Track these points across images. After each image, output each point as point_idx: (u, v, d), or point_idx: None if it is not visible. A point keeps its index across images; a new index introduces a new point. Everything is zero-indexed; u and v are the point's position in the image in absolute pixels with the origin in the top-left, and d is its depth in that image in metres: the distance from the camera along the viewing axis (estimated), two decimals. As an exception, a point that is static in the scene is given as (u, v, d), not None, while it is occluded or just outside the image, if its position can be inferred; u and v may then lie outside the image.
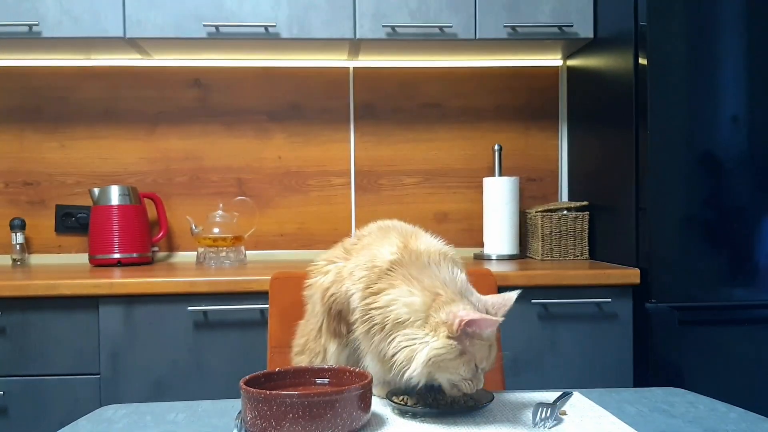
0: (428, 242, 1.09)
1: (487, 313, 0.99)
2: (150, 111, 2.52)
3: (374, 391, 1.08)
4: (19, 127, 2.49)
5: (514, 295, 1.03)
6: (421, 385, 0.98)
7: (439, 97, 2.59)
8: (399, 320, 0.97)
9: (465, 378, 0.97)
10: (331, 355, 1.11)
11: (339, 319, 1.08)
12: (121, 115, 2.51)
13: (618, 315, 2.00)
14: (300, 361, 1.19)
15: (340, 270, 1.09)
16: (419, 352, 0.94)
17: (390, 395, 1.03)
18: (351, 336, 1.07)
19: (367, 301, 1.00)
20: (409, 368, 0.95)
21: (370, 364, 1.04)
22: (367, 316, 1.00)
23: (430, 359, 0.94)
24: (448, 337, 0.94)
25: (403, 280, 0.99)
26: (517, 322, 1.98)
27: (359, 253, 1.08)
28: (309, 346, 1.17)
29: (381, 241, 1.09)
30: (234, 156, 2.54)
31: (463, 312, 0.93)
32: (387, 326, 0.98)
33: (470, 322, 0.92)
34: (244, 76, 2.54)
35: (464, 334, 0.94)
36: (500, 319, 0.95)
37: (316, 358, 1.14)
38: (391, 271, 1.01)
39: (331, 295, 1.08)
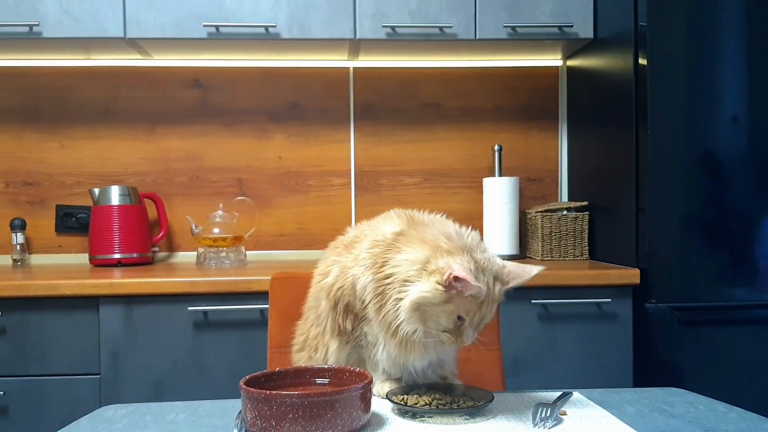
0: (434, 216, 1.10)
1: (496, 277, 0.98)
2: (150, 111, 2.52)
3: (376, 388, 1.08)
4: (19, 127, 2.49)
5: (534, 270, 1.01)
6: (418, 336, 0.98)
7: (439, 97, 2.59)
8: (403, 278, 0.98)
9: (445, 329, 0.98)
10: (332, 353, 1.11)
11: (345, 313, 1.08)
12: (121, 115, 2.51)
13: (618, 315, 2.00)
14: (300, 357, 1.19)
15: (343, 265, 1.09)
16: (408, 294, 0.96)
17: (390, 395, 1.03)
18: (358, 331, 1.07)
19: (377, 276, 1.00)
20: (399, 315, 0.97)
21: (381, 345, 1.05)
22: (379, 290, 1.00)
23: (415, 301, 0.95)
24: (438, 282, 0.94)
25: (408, 243, 1.00)
26: (517, 322, 1.98)
27: (361, 242, 1.09)
28: (309, 342, 1.17)
29: (382, 222, 1.10)
30: (234, 156, 2.54)
31: (457, 266, 0.92)
32: (394, 289, 0.98)
33: (458, 278, 0.92)
34: (244, 76, 2.54)
35: (452, 286, 0.93)
36: (482, 287, 0.93)
37: (316, 353, 1.14)
38: (395, 241, 1.02)
39: (338, 288, 1.08)
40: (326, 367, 1.04)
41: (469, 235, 1.02)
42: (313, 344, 1.16)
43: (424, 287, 0.95)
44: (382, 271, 1.00)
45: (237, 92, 2.54)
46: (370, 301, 1.01)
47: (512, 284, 1.00)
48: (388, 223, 1.08)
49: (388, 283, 0.99)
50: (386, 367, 1.08)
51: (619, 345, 2.00)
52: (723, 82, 1.93)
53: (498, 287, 0.99)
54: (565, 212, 2.34)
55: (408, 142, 2.58)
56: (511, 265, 1.02)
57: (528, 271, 1.01)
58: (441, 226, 1.03)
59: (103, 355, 1.91)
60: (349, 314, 1.07)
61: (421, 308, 0.96)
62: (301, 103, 2.55)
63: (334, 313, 1.09)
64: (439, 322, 0.97)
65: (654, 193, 1.94)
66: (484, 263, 0.98)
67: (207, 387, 1.92)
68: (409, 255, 0.98)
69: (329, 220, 2.56)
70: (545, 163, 2.61)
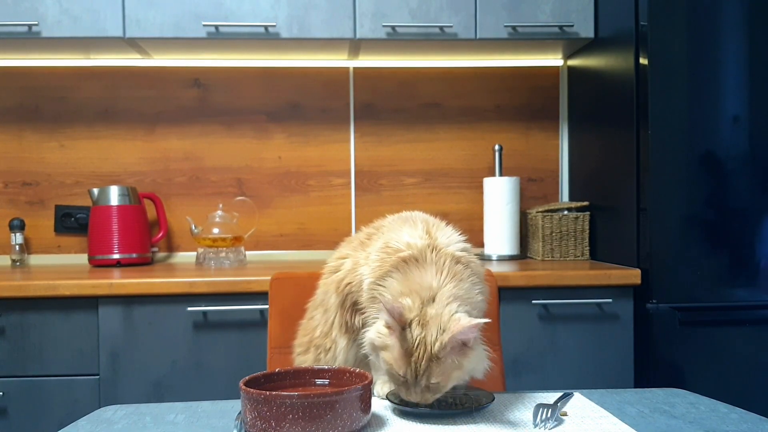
0: (449, 237, 1.08)
1: (444, 332, 0.93)
2: (149, 111, 2.52)
3: (376, 388, 1.08)
4: (18, 127, 2.49)
5: (468, 322, 0.93)
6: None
7: (439, 97, 2.58)
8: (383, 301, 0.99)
9: (391, 373, 0.97)
10: (341, 351, 1.11)
11: (353, 310, 1.08)
12: (120, 115, 2.51)
13: (619, 315, 2.00)
14: (304, 360, 1.18)
15: (356, 260, 1.09)
16: (368, 331, 1.00)
17: (390, 396, 1.03)
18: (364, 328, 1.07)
19: (374, 286, 1.02)
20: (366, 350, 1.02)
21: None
22: (371, 297, 1.02)
23: (370, 340, 0.99)
24: (383, 325, 0.97)
25: (407, 270, 1.00)
26: (517, 323, 1.98)
27: (377, 240, 1.08)
28: (315, 342, 1.16)
29: (401, 226, 1.09)
30: (234, 156, 2.54)
31: (390, 301, 0.94)
32: (376, 312, 1.02)
33: (386, 305, 0.93)
34: (244, 76, 2.54)
35: (390, 325, 0.95)
36: (385, 320, 0.95)
37: (325, 355, 1.14)
38: (405, 260, 1.01)
39: (347, 284, 1.08)
40: (326, 367, 1.03)
41: (442, 288, 0.97)
42: (321, 343, 1.15)
43: (375, 327, 0.98)
44: (378, 285, 1.01)
45: (237, 92, 2.53)
46: (367, 305, 1.03)
47: (448, 333, 0.92)
48: (408, 228, 1.07)
49: (374, 297, 1.01)
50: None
51: (620, 345, 2.00)
52: (724, 81, 1.93)
53: (439, 342, 0.92)
54: (565, 212, 2.33)
55: (408, 142, 2.58)
56: (459, 322, 0.93)
57: (464, 324, 0.92)
58: (431, 267, 0.99)
59: (102, 356, 1.90)
60: (357, 312, 1.07)
61: (376, 348, 0.98)
62: (301, 103, 2.55)
63: (342, 309, 1.09)
64: (385, 365, 0.98)
65: (655, 193, 1.94)
66: (431, 318, 0.94)
67: (206, 388, 1.92)
68: (396, 286, 0.99)
69: (329, 221, 2.56)
70: (546, 163, 2.61)
